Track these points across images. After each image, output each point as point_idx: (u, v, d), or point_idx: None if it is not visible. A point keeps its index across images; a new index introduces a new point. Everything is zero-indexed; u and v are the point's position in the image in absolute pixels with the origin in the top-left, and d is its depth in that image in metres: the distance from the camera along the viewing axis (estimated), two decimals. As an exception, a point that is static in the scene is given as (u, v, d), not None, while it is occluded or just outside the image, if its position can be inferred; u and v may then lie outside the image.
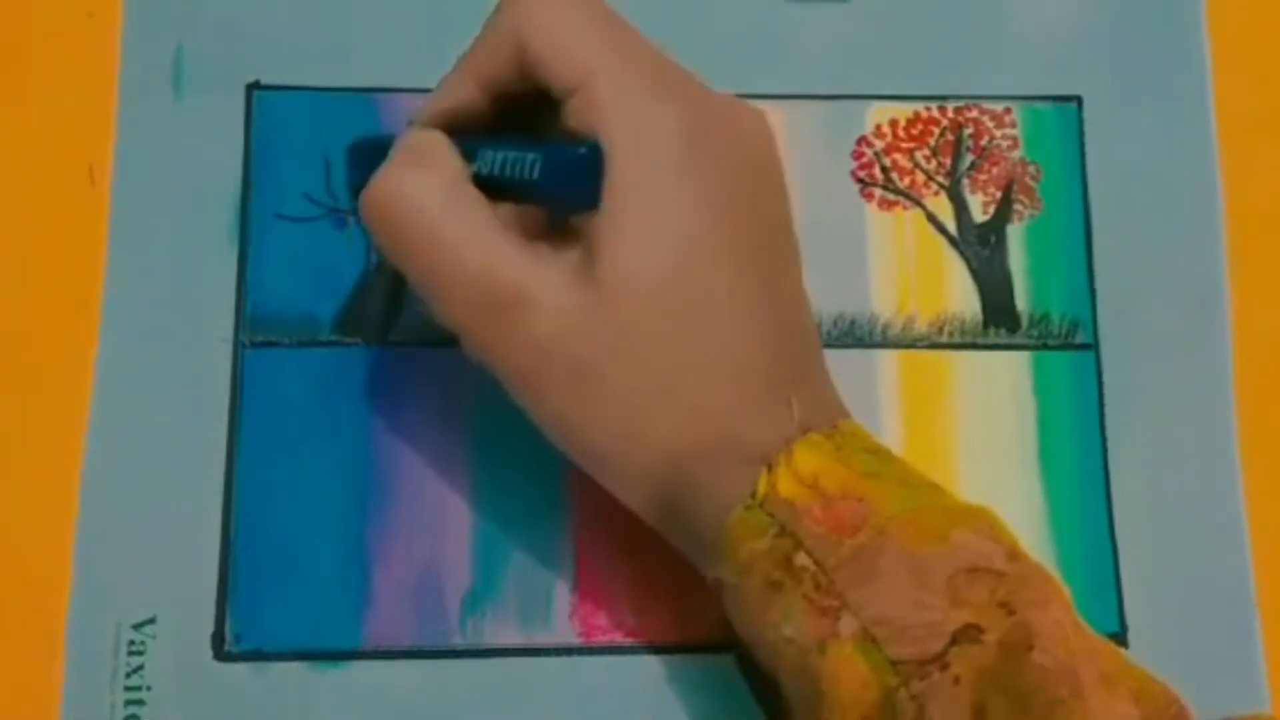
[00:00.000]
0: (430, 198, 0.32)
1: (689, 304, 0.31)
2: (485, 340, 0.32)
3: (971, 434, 0.39)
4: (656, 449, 0.31)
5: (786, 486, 0.30)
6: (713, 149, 0.31)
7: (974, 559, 0.29)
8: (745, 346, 0.31)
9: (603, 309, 0.30)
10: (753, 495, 0.30)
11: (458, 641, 0.36)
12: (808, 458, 0.30)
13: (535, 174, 0.31)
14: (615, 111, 0.31)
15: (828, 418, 0.31)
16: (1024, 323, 0.40)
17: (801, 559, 0.29)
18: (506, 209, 0.32)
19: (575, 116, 0.31)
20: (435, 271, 0.32)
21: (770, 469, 0.30)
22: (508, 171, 0.32)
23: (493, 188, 0.32)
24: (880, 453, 0.31)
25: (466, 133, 0.33)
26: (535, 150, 0.32)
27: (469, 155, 0.32)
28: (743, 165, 0.32)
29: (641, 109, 0.31)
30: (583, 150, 0.31)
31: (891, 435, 0.39)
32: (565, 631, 0.37)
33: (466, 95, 0.33)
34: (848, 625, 0.28)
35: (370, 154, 0.34)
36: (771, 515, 0.30)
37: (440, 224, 0.31)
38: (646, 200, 0.30)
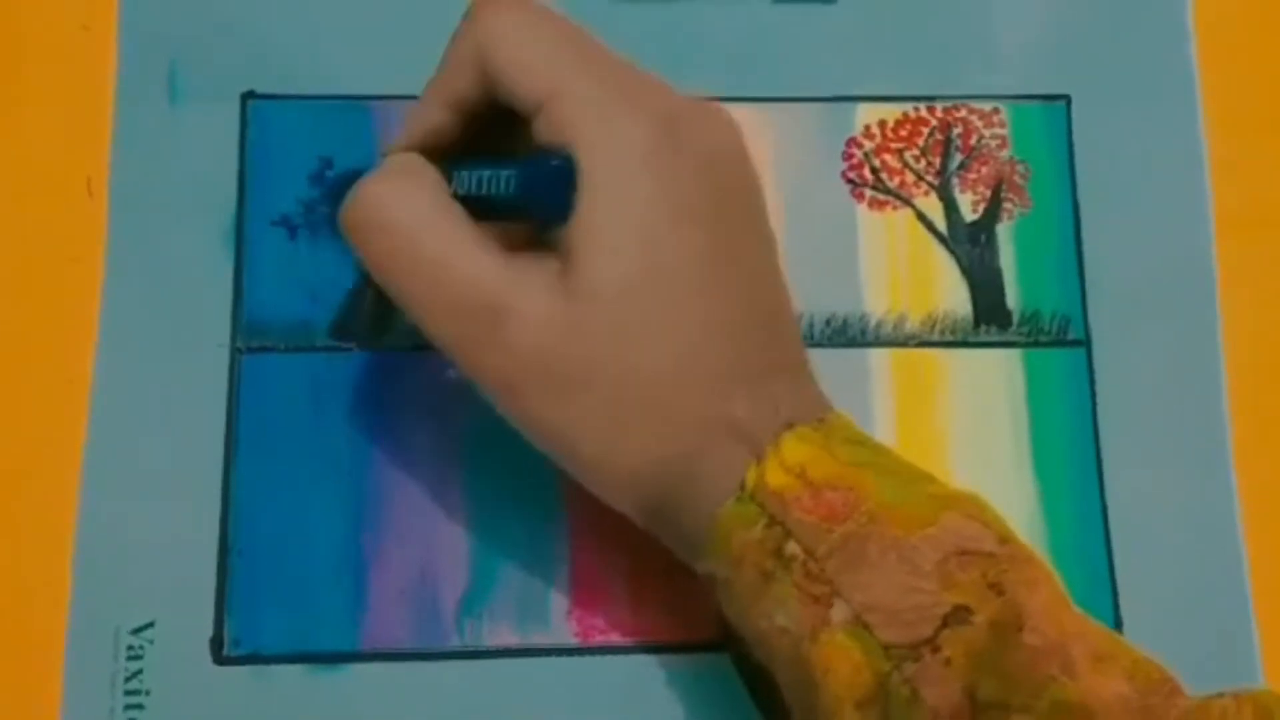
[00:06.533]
0: (413, 209, 0.32)
1: (666, 307, 0.31)
2: (468, 352, 0.32)
3: (964, 432, 0.39)
4: (643, 450, 0.31)
5: (775, 477, 0.30)
6: (681, 153, 0.31)
7: (964, 542, 0.29)
8: (726, 345, 0.31)
9: (581, 317, 0.31)
10: (742, 487, 0.30)
11: (455, 643, 0.37)
12: (795, 449, 0.30)
13: (511, 189, 0.32)
14: (584, 123, 0.31)
15: (813, 409, 0.32)
16: (1015, 320, 0.40)
17: (792, 548, 0.29)
18: (486, 225, 0.32)
19: (545, 131, 0.32)
20: (418, 284, 0.32)
21: (759, 461, 0.30)
22: (484, 189, 0.32)
23: (471, 207, 0.33)
24: (868, 444, 0.32)
25: (440, 158, 0.33)
26: (510, 166, 0.32)
27: (446, 178, 0.33)
28: (712, 166, 0.32)
29: (609, 119, 0.31)
30: (556, 162, 0.31)
31: (884, 434, 0.39)
32: (562, 632, 0.37)
33: (436, 119, 0.34)
34: (840, 612, 0.29)
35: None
36: (761, 506, 0.30)
37: (423, 236, 0.32)
38: (618, 208, 0.31)
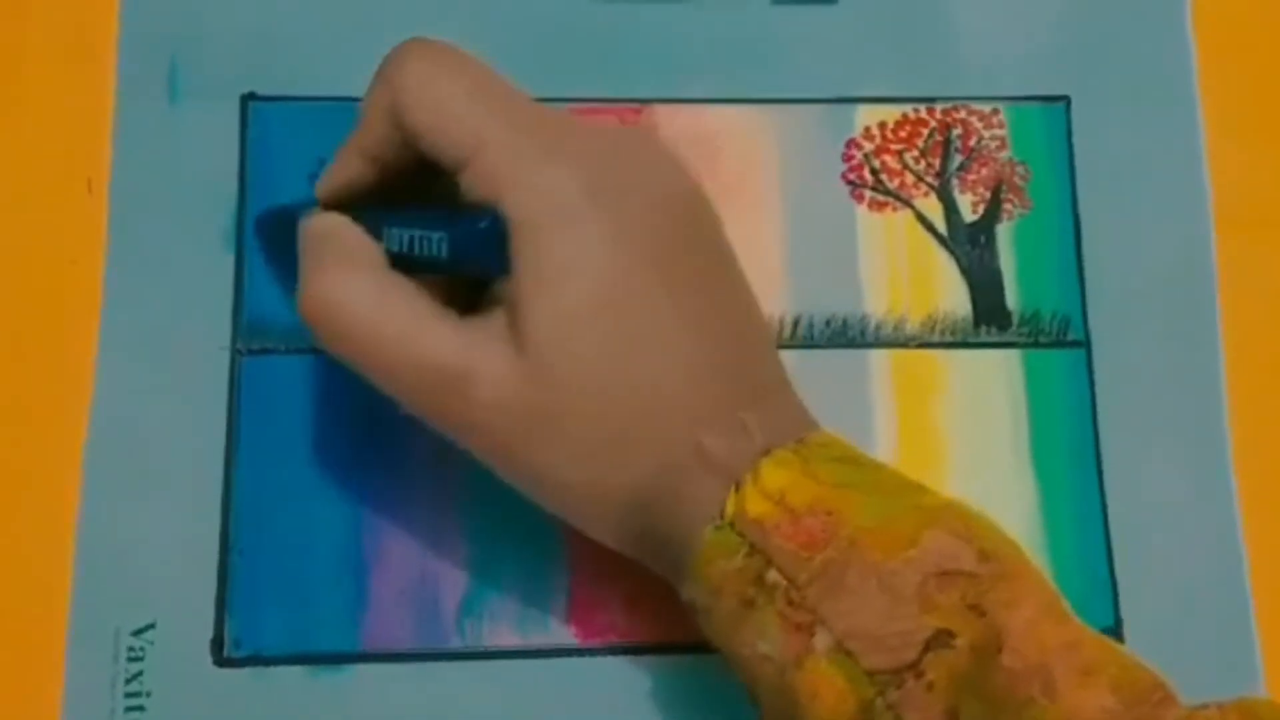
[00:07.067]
0: (361, 298, 0.32)
1: (624, 345, 0.31)
2: (439, 418, 0.32)
3: (964, 433, 0.39)
4: (622, 487, 0.31)
5: (755, 505, 0.30)
6: (616, 191, 0.31)
7: (944, 562, 0.29)
8: (693, 373, 0.31)
9: (537, 370, 0.30)
10: (721, 516, 0.30)
11: (455, 644, 0.37)
12: (775, 474, 0.30)
13: (444, 253, 0.32)
14: (510, 179, 0.31)
15: (793, 430, 0.31)
16: (1015, 321, 0.40)
17: (773, 576, 0.29)
18: (427, 280, 0.32)
19: (472, 188, 0.31)
20: (380, 367, 0.32)
21: (738, 489, 0.30)
22: (417, 250, 0.32)
23: (405, 263, 0.32)
24: (852, 460, 0.31)
25: (366, 206, 0.33)
26: (440, 229, 0.32)
27: (375, 230, 0.33)
28: (654, 197, 0.32)
29: (536, 171, 0.31)
30: (484, 224, 0.31)
31: (884, 435, 0.39)
32: (562, 633, 0.37)
33: (355, 171, 0.33)
34: (822, 640, 0.29)
35: (275, 226, 0.36)
36: (742, 535, 0.30)
37: (375, 322, 0.31)
38: (555, 257, 0.30)
